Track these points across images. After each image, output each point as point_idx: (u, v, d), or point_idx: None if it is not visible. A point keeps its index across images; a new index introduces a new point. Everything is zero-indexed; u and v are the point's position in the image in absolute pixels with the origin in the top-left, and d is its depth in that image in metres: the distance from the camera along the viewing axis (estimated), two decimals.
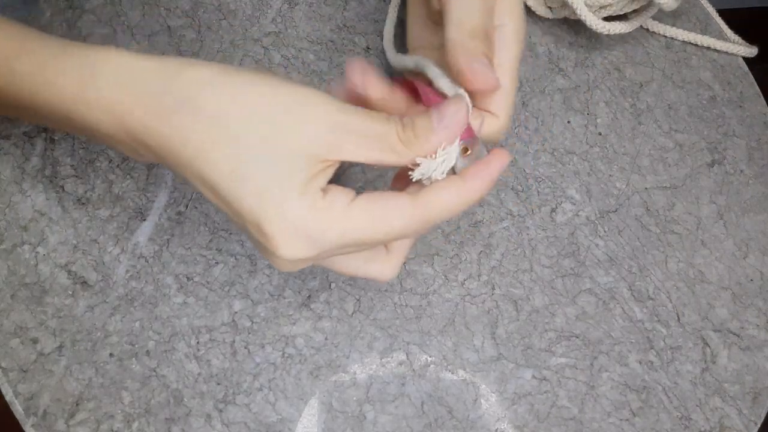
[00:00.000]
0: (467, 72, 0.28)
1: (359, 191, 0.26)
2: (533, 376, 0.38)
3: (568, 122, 0.45)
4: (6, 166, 0.41)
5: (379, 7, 0.48)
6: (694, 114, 0.47)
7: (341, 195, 0.25)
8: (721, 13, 0.51)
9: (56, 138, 0.42)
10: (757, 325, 0.40)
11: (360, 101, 0.27)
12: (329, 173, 0.26)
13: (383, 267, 0.29)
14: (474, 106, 0.29)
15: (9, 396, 0.35)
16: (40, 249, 0.39)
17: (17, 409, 0.35)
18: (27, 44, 0.27)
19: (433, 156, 0.26)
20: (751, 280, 0.42)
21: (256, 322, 0.38)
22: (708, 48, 0.49)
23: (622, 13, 0.46)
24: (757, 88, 0.49)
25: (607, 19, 0.45)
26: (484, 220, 0.42)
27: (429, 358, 0.38)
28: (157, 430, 0.35)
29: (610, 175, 0.44)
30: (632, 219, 0.42)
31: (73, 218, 0.40)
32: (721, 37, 0.50)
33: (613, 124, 0.46)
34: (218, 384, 0.36)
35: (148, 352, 0.37)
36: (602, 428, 0.37)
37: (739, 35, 0.51)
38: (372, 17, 0.48)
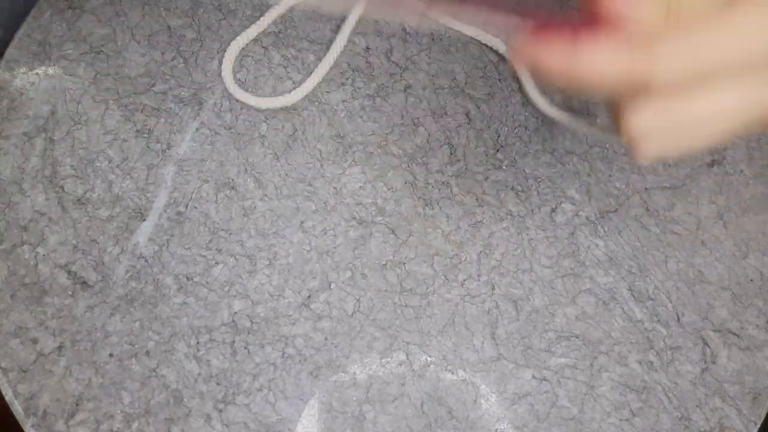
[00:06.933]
0: None
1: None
2: (533, 376, 0.38)
3: None
4: (6, 166, 0.41)
5: None
6: None
7: None
8: None
9: (56, 138, 0.42)
10: (757, 325, 0.40)
11: None
12: None
13: None
14: None
15: (9, 396, 0.35)
16: (39, 249, 0.39)
17: (17, 409, 0.35)
18: None
19: None
20: (751, 280, 0.41)
21: (256, 322, 0.38)
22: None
23: None
24: None
25: None
26: (484, 220, 0.42)
27: (429, 359, 0.38)
28: (157, 430, 0.35)
29: (610, 175, 0.44)
30: (632, 219, 0.42)
31: (72, 218, 0.40)
32: None
33: (612, 124, 0.46)
34: (218, 384, 0.36)
35: (147, 352, 0.37)
36: (602, 428, 0.37)
37: None
38: (371, 17, 0.48)
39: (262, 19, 0.45)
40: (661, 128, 0.23)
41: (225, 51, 0.44)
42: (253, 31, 0.45)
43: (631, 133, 0.24)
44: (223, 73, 0.44)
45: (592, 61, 0.20)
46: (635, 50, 0.20)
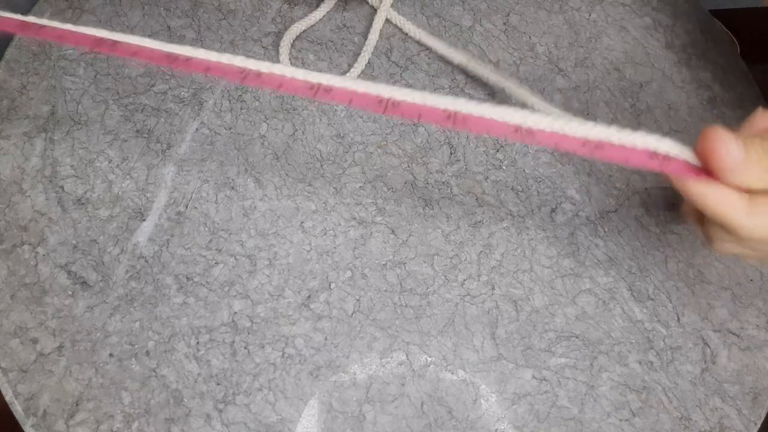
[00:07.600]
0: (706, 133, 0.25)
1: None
2: (533, 376, 0.38)
3: None
4: (6, 166, 0.41)
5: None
6: (694, 114, 0.47)
7: None
8: (720, 13, 0.51)
9: (56, 138, 0.42)
10: (757, 325, 0.40)
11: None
12: None
13: None
14: None
15: (9, 396, 0.35)
16: (40, 249, 0.39)
17: (17, 409, 0.35)
18: None
19: None
20: (751, 280, 0.41)
21: (256, 323, 0.38)
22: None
23: None
24: (757, 88, 0.49)
25: None
26: (484, 220, 0.42)
27: (429, 359, 0.38)
28: (157, 430, 0.35)
29: (609, 176, 0.44)
30: (632, 219, 0.42)
31: (72, 218, 0.40)
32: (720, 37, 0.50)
33: (612, 124, 0.46)
34: (218, 384, 0.36)
35: (147, 353, 0.37)
36: (602, 428, 0.37)
37: (736, 35, 0.50)
38: (371, 17, 0.48)
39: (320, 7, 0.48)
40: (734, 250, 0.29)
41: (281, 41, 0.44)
42: (312, 18, 0.47)
43: (707, 237, 0.29)
44: (281, 59, 0.45)
45: (699, 192, 0.25)
46: (733, 208, 0.24)
